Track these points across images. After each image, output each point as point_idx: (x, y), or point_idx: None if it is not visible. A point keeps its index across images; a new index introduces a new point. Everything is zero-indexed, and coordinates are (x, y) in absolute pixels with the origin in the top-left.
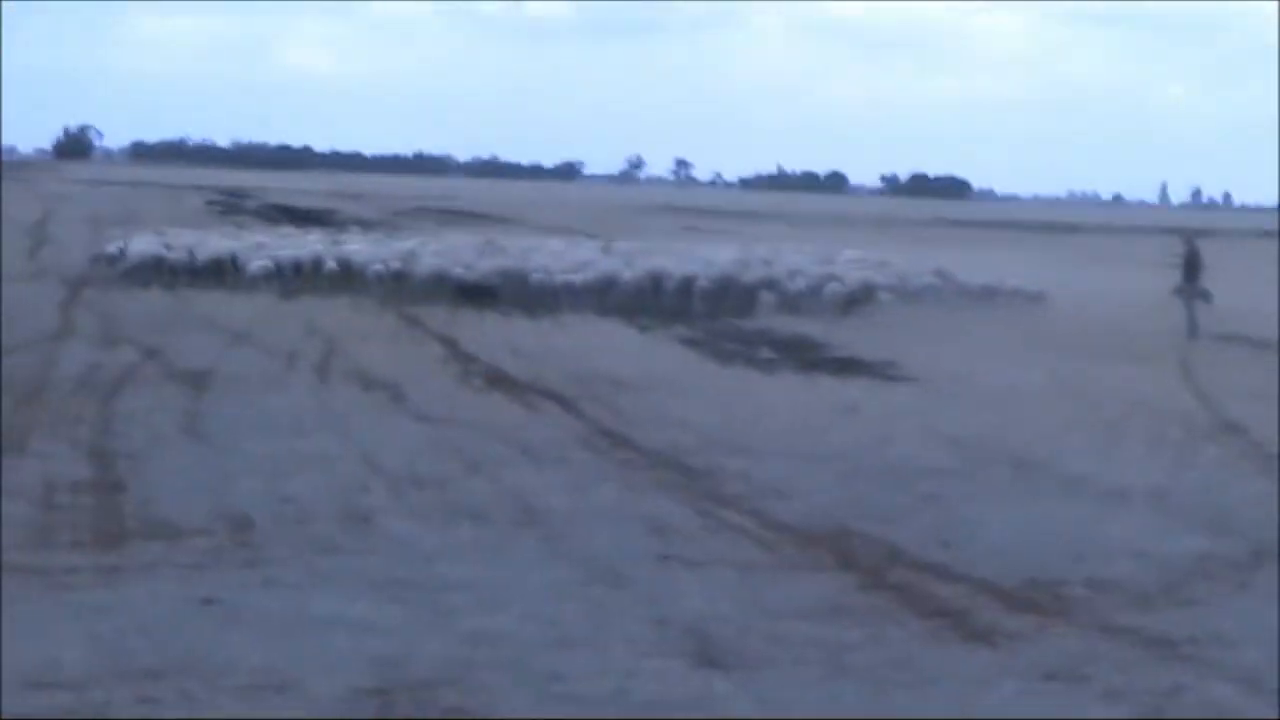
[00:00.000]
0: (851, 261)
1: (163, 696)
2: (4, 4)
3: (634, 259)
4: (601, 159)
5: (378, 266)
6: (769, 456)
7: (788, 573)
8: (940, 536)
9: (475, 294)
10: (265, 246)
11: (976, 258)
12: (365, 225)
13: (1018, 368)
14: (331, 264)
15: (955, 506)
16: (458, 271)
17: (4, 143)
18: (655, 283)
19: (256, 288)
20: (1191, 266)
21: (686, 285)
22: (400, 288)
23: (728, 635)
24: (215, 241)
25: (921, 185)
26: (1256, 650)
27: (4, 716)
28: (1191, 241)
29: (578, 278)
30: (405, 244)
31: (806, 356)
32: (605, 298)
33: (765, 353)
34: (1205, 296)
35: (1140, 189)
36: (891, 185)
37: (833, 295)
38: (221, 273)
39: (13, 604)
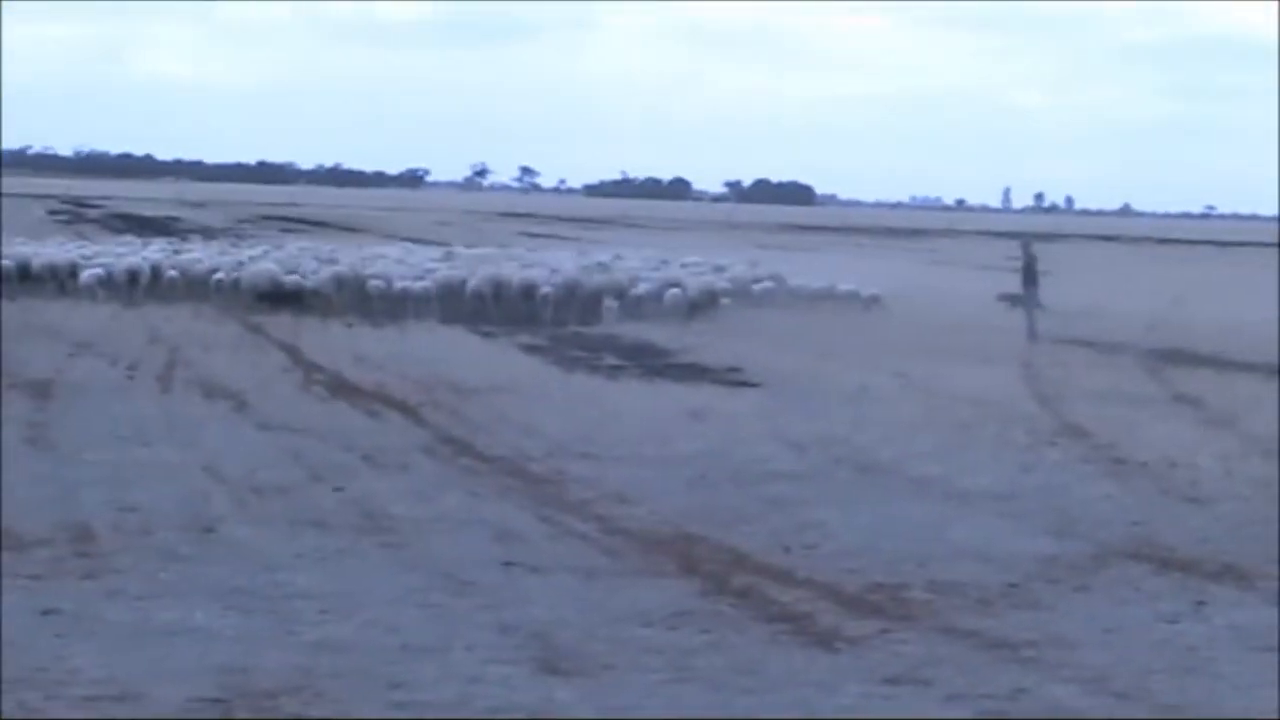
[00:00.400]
0: (692, 267)
1: (1, 708)
2: None
3: (476, 266)
4: (447, 166)
5: (219, 275)
6: (613, 462)
7: (631, 579)
8: (784, 541)
9: (315, 302)
10: (106, 255)
11: (819, 262)
12: (208, 234)
13: (862, 371)
14: (173, 272)
15: (800, 510)
16: (295, 279)
17: None
18: (498, 290)
19: (99, 297)
20: (1030, 271)
21: (529, 292)
22: (242, 296)
23: (571, 641)
24: (54, 251)
25: (765, 191)
26: (1096, 652)
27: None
28: (1029, 247)
29: (418, 285)
30: (248, 252)
31: (651, 363)
32: (448, 305)
33: (610, 359)
34: (1034, 302)
35: (984, 193)
36: (736, 191)
37: (675, 301)
38: (61, 282)
39: None
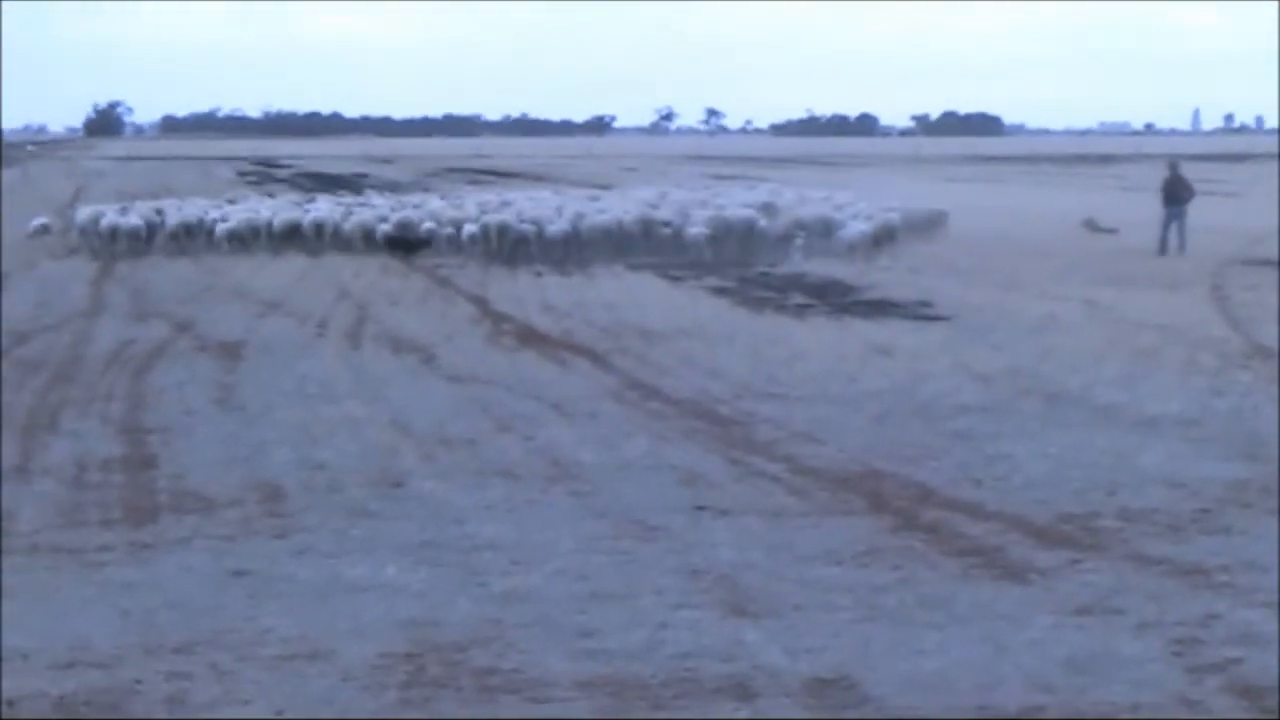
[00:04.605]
0: (880, 205)
1: (193, 670)
2: None
3: (660, 208)
4: (632, 112)
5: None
6: (800, 402)
7: (819, 518)
8: (972, 474)
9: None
10: (309, 209)
11: (1001, 192)
12: (395, 188)
13: (1049, 300)
14: (386, 226)
15: (987, 443)
16: (471, 229)
17: (35, 122)
18: (683, 231)
19: (282, 252)
20: (1174, 190)
21: (716, 233)
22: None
23: (759, 583)
24: (238, 208)
25: (953, 123)
26: None
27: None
28: (1175, 166)
29: (597, 227)
30: (433, 204)
31: (839, 300)
32: (634, 249)
33: (797, 298)
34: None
35: (1173, 117)
36: (923, 124)
37: (858, 237)
38: (250, 239)
39: (44, 585)
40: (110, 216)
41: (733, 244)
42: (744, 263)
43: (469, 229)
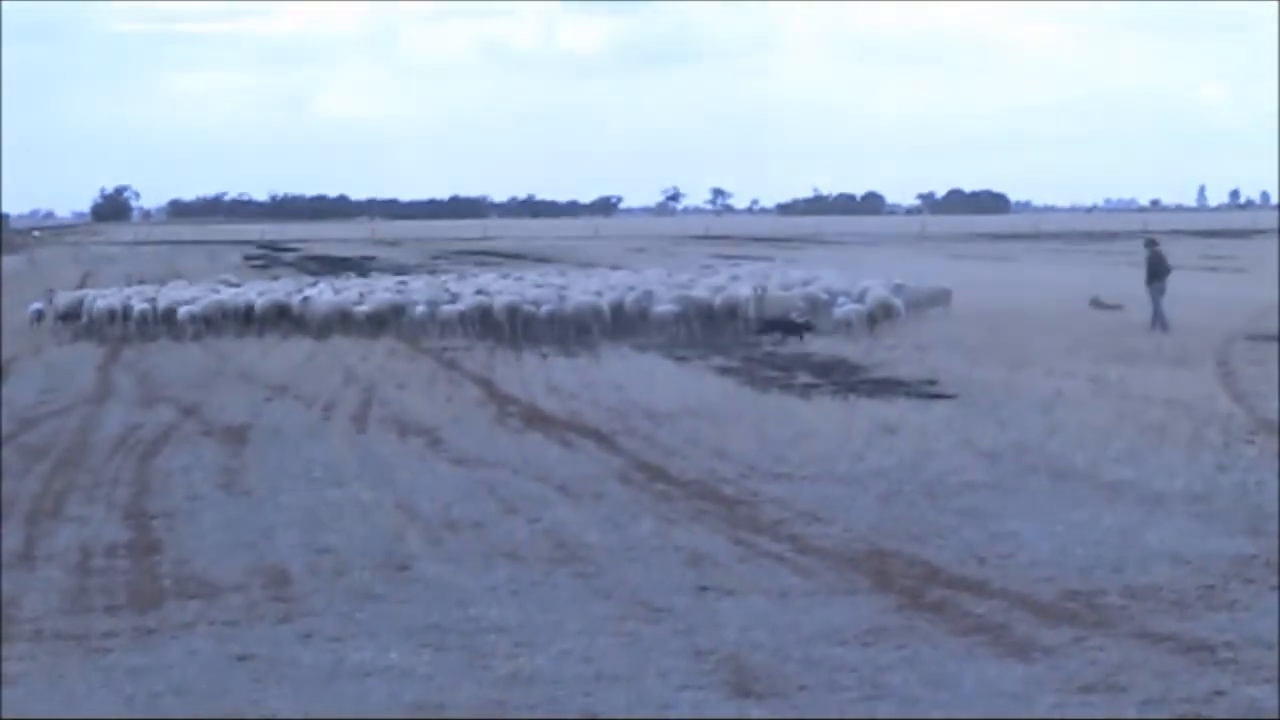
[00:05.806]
0: (875, 282)
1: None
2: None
3: (663, 290)
4: (639, 192)
5: (421, 307)
6: (806, 481)
7: (824, 597)
8: (978, 553)
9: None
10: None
11: (1007, 269)
12: (403, 271)
13: (1055, 376)
14: (365, 308)
15: (993, 521)
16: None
17: (42, 207)
18: (686, 312)
19: (283, 333)
20: (1156, 268)
21: (715, 311)
22: (437, 328)
23: (764, 663)
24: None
25: (959, 201)
26: None
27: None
28: (1154, 244)
29: (604, 306)
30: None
31: (845, 379)
32: (639, 330)
33: (803, 377)
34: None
35: (1178, 193)
36: (929, 202)
37: (852, 315)
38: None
39: (48, 671)
40: (101, 301)
41: (704, 324)
42: (720, 342)
43: (450, 309)
